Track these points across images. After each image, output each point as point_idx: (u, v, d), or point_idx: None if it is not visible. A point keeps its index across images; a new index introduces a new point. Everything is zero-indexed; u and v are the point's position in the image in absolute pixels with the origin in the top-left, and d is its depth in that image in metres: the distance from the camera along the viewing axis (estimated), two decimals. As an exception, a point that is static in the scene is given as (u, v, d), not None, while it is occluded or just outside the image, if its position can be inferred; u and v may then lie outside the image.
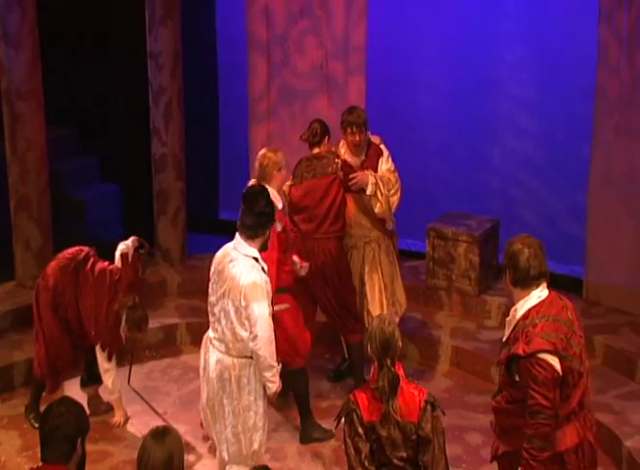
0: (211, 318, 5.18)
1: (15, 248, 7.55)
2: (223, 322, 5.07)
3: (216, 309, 5.12)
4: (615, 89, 7.03)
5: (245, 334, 5.01)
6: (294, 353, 6.02)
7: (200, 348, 5.46)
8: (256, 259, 5.07)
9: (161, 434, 3.65)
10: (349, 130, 6.56)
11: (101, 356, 6.20)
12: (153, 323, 7.45)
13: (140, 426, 6.30)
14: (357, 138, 6.57)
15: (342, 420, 4.33)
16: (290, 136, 8.17)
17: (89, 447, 3.75)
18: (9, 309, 7.31)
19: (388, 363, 4.20)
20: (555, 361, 4.07)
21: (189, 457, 5.95)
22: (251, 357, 5.08)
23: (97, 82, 8.96)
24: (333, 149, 6.63)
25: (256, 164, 6.14)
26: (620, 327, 7.06)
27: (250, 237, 5.09)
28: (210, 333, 5.21)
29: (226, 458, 5.18)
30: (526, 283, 4.22)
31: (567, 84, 7.79)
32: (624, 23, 6.88)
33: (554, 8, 7.81)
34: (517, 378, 4.16)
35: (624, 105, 7.00)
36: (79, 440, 3.62)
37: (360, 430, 4.22)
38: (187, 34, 8.05)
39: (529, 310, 4.19)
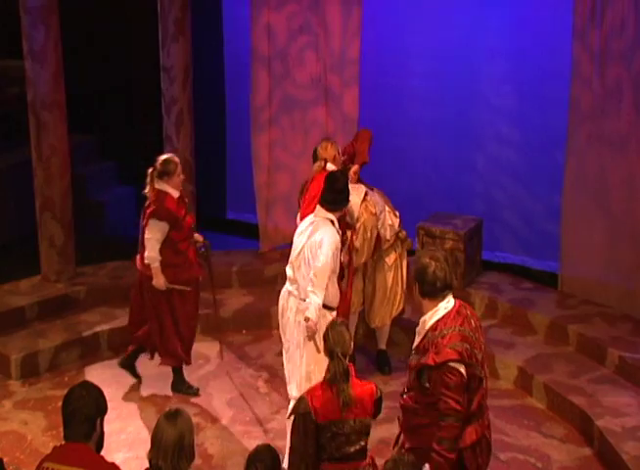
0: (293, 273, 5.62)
1: (40, 245, 7.58)
2: (304, 270, 5.50)
3: (296, 263, 5.55)
4: (587, 100, 7.05)
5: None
6: None
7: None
8: (333, 222, 5.53)
9: (174, 415, 3.66)
10: None
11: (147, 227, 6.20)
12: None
13: (154, 408, 6.34)
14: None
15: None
16: (290, 143, 8.22)
17: (107, 427, 3.77)
18: (35, 301, 7.34)
19: (339, 354, 4.27)
20: (462, 368, 4.08)
21: (198, 437, 5.99)
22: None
23: (115, 94, 9.01)
24: None
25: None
26: (592, 317, 7.08)
27: (329, 210, 5.55)
28: (290, 287, 5.65)
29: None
30: (434, 294, 4.17)
31: (543, 95, 7.81)
32: (596, 40, 6.90)
33: (532, 26, 7.83)
34: (427, 385, 4.14)
35: (596, 115, 7.03)
36: (98, 420, 3.64)
37: (310, 433, 4.24)
38: (197, 49, 8.07)
39: (437, 322, 4.16)
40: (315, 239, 5.49)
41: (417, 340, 4.28)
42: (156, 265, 6.16)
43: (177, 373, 6.60)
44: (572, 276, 7.44)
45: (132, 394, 6.64)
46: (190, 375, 6.88)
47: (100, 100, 9.21)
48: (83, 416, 3.59)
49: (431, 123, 8.38)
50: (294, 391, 5.60)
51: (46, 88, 7.23)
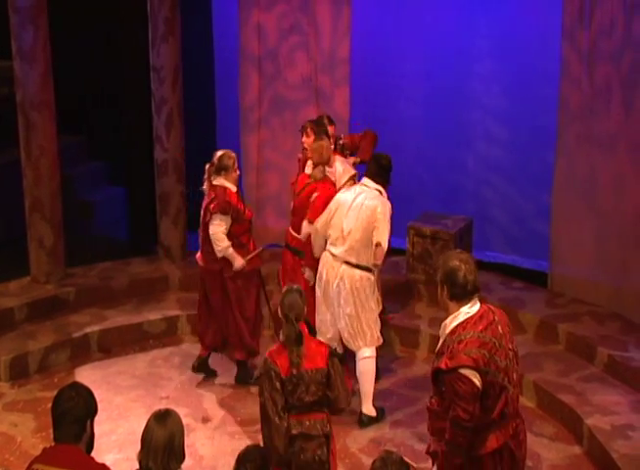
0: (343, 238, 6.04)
1: (29, 246, 7.56)
2: (357, 234, 5.95)
3: (347, 228, 5.98)
4: (576, 100, 7.09)
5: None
6: None
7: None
8: (381, 192, 6.05)
9: (163, 416, 3.67)
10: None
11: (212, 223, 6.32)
12: (156, 315, 7.54)
13: (144, 409, 6.33)
14: (303, 139, 6.81)
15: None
16: (280, 143, 8.22)
17: (97, 429, 3.77)
18: (24, 303, 7.32)
19: (292, 318, 4.61)
20: (475, 377, 3.98)
21: (189, 438, 5.97)
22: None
23: (104, 94, 8.99)
24: None
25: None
26: (582, 316, 7.12)
27: (376, 182, 6.08)
28: (335, 250, 6.05)
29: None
30: (462, 297, 4.11)
31: (533, 95, 7.84)
32: (584, 41, 6.93)
33: (521, 26, 7.87)
34: (443, 388, 4.10)
35: (585, 114, 7.06)
36: (88, 421, 3.63)
37: (277, 384, 4.56)
38: (186, 50, 8.07)
39: (457, 326, 4.08)
40: (368, 204, 5.96)
41: (439, 344, 4.21)
42: (230, 251, 6.30)
43: (244, 366, 6.68)
44: (562, 275, 7.48)
45: (122, 395, 6.62)
46: (181, 375, 6.88)
47: (89, 100, 9.19)
48: (73, 417, 3.58)
49: (421, 123, 8.41)
50: (366, 352, 6.15)
51: (35, 88, 7.21)
